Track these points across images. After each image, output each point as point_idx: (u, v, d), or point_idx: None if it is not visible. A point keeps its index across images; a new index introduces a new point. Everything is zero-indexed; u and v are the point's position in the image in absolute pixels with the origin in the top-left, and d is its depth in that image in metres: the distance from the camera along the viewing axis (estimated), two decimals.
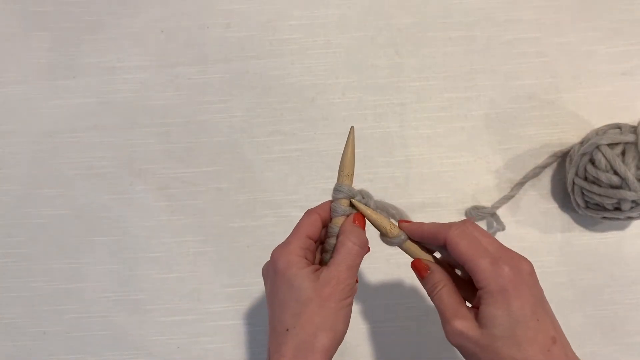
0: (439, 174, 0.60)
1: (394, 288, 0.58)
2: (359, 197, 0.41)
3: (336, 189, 0.41)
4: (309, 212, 0.41)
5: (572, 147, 0.58)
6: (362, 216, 0.41)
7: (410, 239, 0.41)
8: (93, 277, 0.59)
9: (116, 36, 0.64)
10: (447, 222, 0.40)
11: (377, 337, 0.57)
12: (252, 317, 0.58)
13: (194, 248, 0.59)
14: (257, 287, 0.58)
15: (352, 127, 0.42)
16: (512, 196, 0.59)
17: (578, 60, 0.62)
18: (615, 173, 0.50)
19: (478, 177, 0.60)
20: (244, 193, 0.60)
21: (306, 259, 0.39)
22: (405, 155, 0.60)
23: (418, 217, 0.58)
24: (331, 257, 0.39)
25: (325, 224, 0.42)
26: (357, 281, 0.40)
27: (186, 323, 0.58)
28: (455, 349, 0.37)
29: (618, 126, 0.54)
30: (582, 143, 0.56)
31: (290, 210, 0.60)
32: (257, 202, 0.60)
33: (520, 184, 0.59)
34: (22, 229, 0.60)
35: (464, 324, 0.36)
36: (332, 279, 0.37)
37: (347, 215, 0.41)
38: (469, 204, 0.59)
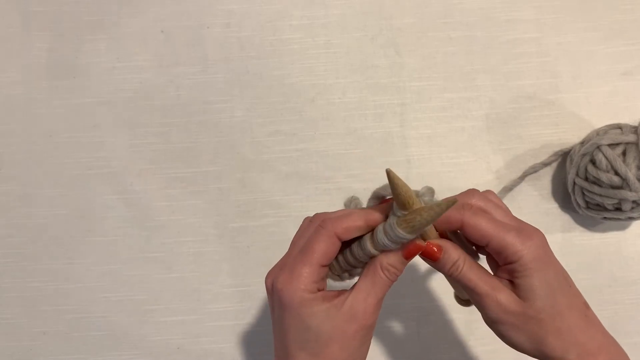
0: (440, 174, 0.60)
1: (395, 288, 0.58)
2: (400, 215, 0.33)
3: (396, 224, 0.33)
4: (326, 232, 0.34)
5: (572, 148, 0.58)
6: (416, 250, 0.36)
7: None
8: (93, 277, 0.59)
9: (116, 36, 0.64)
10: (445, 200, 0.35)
11: (377, 337, 0.57)
12: (252, 317, 0.58)
13: (194, 248, 0.59)
14: (257, 287, 0.58)
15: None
16: (511, 189, 0.59)
17: (578, 60, 0.62)
18: (616, 173, 0.50)
19: (478, 177, 0.60)
20: (244, 193, 0.60)
21: (319, 290, 0.34)
22: (405, 155, 0.60)
23: None
24: (359, 282, 0.35)
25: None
26: None
27: (186, 323, 0.57)
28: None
29: (619, 126, 0.54)
30: (582, 143, 0.56)
31: (290, 210, 0.59)
32: (257, 202, 0.60)
33: (521, 178, 0.59)
34: (22, 229, 0.60)
35: (505, 297, 0.34)
36: (358, 312, 0.34)
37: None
38: None
